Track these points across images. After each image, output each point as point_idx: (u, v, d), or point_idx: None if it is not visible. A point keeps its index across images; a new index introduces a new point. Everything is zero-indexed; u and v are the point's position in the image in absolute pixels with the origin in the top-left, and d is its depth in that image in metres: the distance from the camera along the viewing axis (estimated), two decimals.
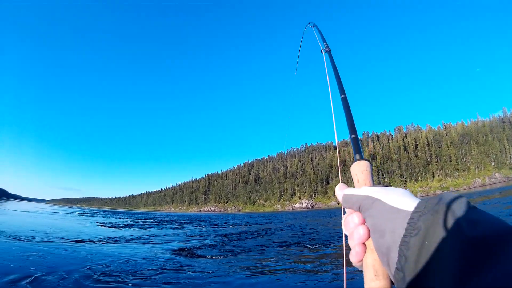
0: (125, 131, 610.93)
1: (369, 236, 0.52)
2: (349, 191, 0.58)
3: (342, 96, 0.91)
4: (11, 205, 51.30)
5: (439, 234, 0.38)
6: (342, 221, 0.59)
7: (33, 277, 4.67)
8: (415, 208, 0.44)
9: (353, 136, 0.76)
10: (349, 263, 0.58)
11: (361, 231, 0.52)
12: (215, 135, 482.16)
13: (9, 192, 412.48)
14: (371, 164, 0.66)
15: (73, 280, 4.72)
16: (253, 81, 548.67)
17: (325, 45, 1.26)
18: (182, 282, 5.02)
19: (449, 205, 0.41)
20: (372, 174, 0.65)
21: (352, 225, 0.54)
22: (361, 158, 0.68)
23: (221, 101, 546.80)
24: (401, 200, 0.47)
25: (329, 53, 1.18)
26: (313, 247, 8.94)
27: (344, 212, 0.61)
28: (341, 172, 0.84)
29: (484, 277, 0.32)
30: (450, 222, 0.38)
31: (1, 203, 60.38)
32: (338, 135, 0.86)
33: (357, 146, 0.73)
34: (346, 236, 0.58)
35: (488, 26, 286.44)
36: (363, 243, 0.53)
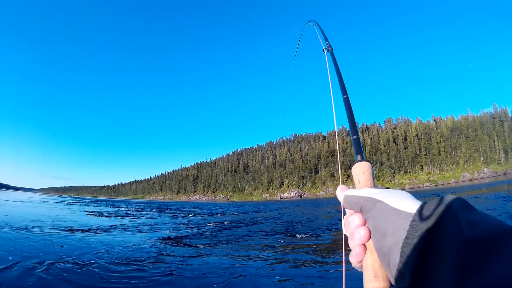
0: (114, 119, 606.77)
1: (370, 237, 0.52)
2: (351, 192, 0.58)
3: (344, 96, 0.90)
4: (1, 195, 50.99)
5: (440, 235, 0.39)
6: (343, 222, 0.59)
7: (54, 263, 5.01)
8: (417, 210, 0.44)
9: (354, 137, 0.76)
10: (348, 261, 0.57)
11: (362, 232, 0.52)
12: (204, 123, 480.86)
13: None
14: (372, 165, 0.66)
15: (76, 268, 4.95)
16: (243, 71, 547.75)
17: (328, 44, 1.25)
18: (168, 271, 5.02)
19: (450, 207, 0.41)
20: (373, 175, 0.65)
21: (353, 226, 0.54)
22: (362, 159, 0.67)
23: (211, 90, 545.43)
24: (403, 202, 0.47)
25: (331, 53, 1.17)
26: (303, 236, 8.88)
27: (345, 213, 0.61)
28: (341, 171, 0.81)
29: (483, 277, 0.33)
30: (451, 224, 0.39)
31: None
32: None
33: (358, 147, 0.72)
34: (346, 236, 0.58)
35: (481, 22, 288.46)
36: (363, 244, 0.53)
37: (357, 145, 0.73)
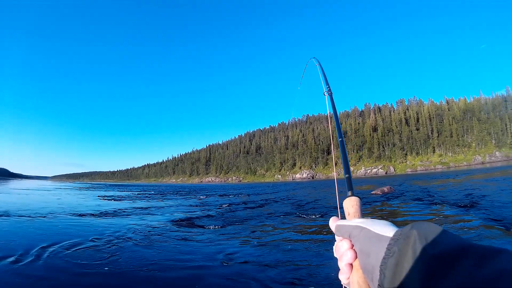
0: (126, 104, 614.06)
1: (356, 258, 0.62)
2: (341, 222, 0.70)
3: (340, 139, 1.04)
4: (15, 184, 50.96)
5: (409, 255, 0.47)
6: (334, 247, 0.70)
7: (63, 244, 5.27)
8: (393, 235, 0.53)
9: (347, 175, 0.89)
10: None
11: (349, 254, 0.63)
12: (217, 105, 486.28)
13: (11, 171, 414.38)
14: (361, 199, 0.79)
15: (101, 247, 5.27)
16: (254, 54, 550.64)
17: (328, 88, 1.37)
18: (176, 252, 5.16)
19: (418, 231, 0.49)
20: (361, 208, 0.78)
21: (342, 250, 0.65)
22: (352, 195, 0.81)
23: (223, 72, 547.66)
24: (384, 228, 0.57)
25: (331, 96, 1.29)
26: (313, 217, 8.90)
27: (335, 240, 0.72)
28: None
29: (441, 286, 0.41)
30: (417, 245, 0.47)
31: (5, 182, 60.32)
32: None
33: (350, 184, 0.86)
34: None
35: (494, 3, 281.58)
36: (350, 264, 0.63)
37: (349, 182, 0.88)
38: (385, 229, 0.57)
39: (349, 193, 0.82)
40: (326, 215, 9.03)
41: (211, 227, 7.67)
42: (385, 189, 15.85)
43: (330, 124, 1.15)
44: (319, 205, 12.22)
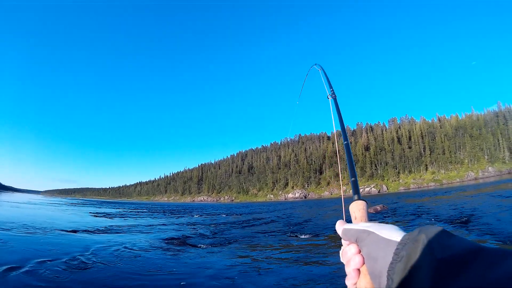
0: (118, 121, 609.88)
1: (363, 263, 0.61)
2: (348, 226, 0.68)
3: (345, 142, 1.01)
4: (6, 197, 50.98)
5: (417, 260, 0.46)
6: (340, 252, 0.69)
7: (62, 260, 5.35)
8: (401, 239, 0.53)
9: (353, 179, 0.87)
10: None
11: (357, 259, 0.62)
12: (209, 124, 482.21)
13: (2, 184, 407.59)
14: (367, 203, 0.77)
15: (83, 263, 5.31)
16: (246, 73, 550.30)
17: (332, 91, 1.32)
18: (169, 271, 5.12)
19: (426, 235, 0.49)
20: (367, 211, 0.76)
21: (349, 254, 0.64)
22: (359, 198, 0.79)
23: (215, 91, 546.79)
24: (391, 233, 0.57)
25: (335, 100, 1.25)
26: (306, 236, 8.86)
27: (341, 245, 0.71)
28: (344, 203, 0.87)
29: None
30: (426, 249, 0.47)
31: None
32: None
33: (356, 188, 0.84)
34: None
35: (484, 20, 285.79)
36: (358, 269, 0.62)
37: (355, 186, 0.85)
38: (393, 234, 0.56)
39: (355, 196, 0.81)
40: (317, 235, 9.12)
41: (204, 246, 7.68)
42: (378, 207, 16.11)
43: (335, 128, 1.13)
44: (311, 224, 12.41)
